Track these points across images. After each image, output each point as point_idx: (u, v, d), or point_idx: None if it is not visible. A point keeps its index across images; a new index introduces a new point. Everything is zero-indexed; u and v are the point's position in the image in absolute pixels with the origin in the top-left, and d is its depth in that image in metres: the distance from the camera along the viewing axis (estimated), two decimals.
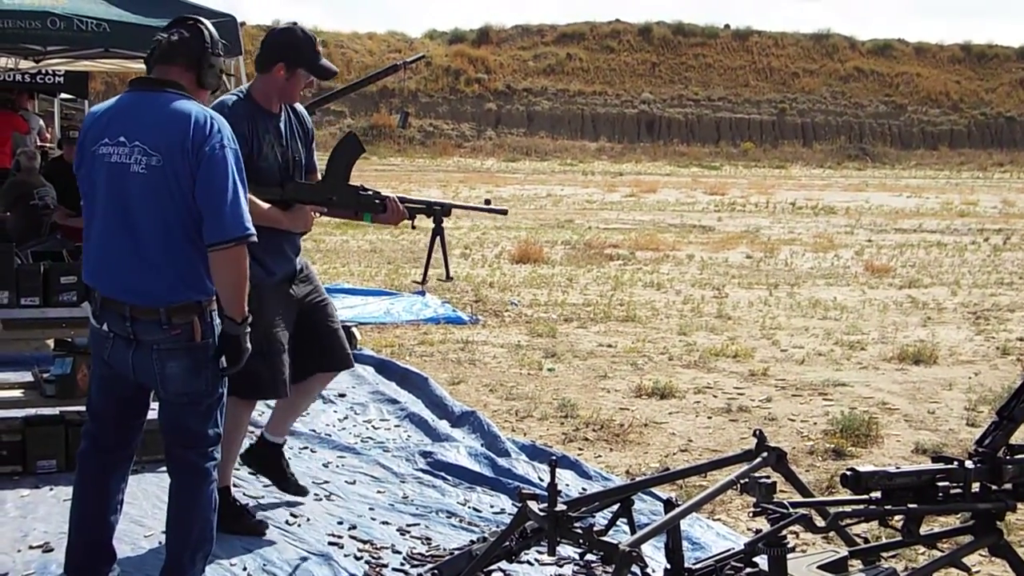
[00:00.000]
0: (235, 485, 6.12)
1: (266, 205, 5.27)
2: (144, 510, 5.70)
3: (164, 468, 4.71)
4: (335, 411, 7.98)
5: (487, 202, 6.16)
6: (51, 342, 8.26)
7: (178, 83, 4.40)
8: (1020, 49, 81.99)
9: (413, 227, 5.89)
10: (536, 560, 5.16)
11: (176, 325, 4.31)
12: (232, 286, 4.32)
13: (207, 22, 4.53)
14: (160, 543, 5.16)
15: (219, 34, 4.61)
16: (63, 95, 19.02)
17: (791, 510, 3.75)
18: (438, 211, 5.77)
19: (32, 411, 6.71)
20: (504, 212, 6.35)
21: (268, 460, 5.99)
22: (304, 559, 5.25)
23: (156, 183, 4.24)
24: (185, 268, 4.32)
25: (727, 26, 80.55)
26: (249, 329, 4.42)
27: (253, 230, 4.31)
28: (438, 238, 5.85)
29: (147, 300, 4.29)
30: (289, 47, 5.39)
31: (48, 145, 16.84)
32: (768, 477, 3.94)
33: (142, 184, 4.25)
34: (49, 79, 16.60)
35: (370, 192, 5.63)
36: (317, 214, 5.63)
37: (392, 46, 71.67)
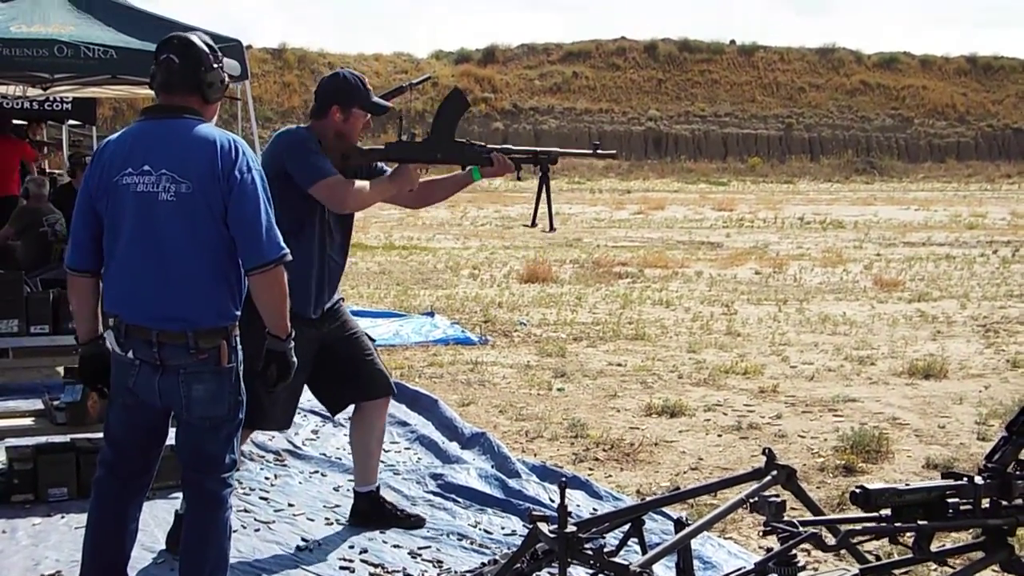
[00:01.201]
0: (246, 510, 6.14)
1: (363, 184, 5.42)
2: (156, 537, 5.70)
3: (176, 495, 4.72)
4: (345, 434, 7.97)
5: (596, 147, 6.07)
6: (61, 369, 8.27)
7: (189, 107, 4.43)
8: None
9: (519, 178, 5.89)
10: None
11: (203, 349, 4.34)
12: (274, 306, 4.41)
13: (195, 36, 4.51)
14: (172, 570, 5.17)
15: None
16: (71, 121, 19.09)
17: (801, 529, 3.75)
18: (544, 159, 5.75)
19: (43, 439, 6.72)
20: (614, 156, 6.36)
21: (371, 512, 6.03)
22: None
23: (186, 210, 4.28)
24: (213, 293, 4.36)
25: (733, 42, 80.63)
26: (293, 344, 4.49)
27: (288, 250, 4.38)
28: (544, 186, 5.86)
29: (175, 325, 4.32)
30: (339, 90, 5.52)
31: (57, 172, 16.91)
32: (778, 495, 3.94)
33: (171, 211, 4.28)
34: (57, 106, 16.68)
35: (476, 146, 5.67)
36: (423, 171, 5.68)
37: (398, 67, 71.82)
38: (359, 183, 5.42)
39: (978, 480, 4.07)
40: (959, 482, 4.06)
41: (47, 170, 17.97)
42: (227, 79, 4.59)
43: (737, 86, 75.65)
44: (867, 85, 77.22)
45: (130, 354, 4.40)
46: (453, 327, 12.55)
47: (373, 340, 6.00)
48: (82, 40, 8.54)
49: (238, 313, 4.44)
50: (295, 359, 4.53)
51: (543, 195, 5.82)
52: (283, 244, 4.36)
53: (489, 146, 5.69)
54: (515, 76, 73.82)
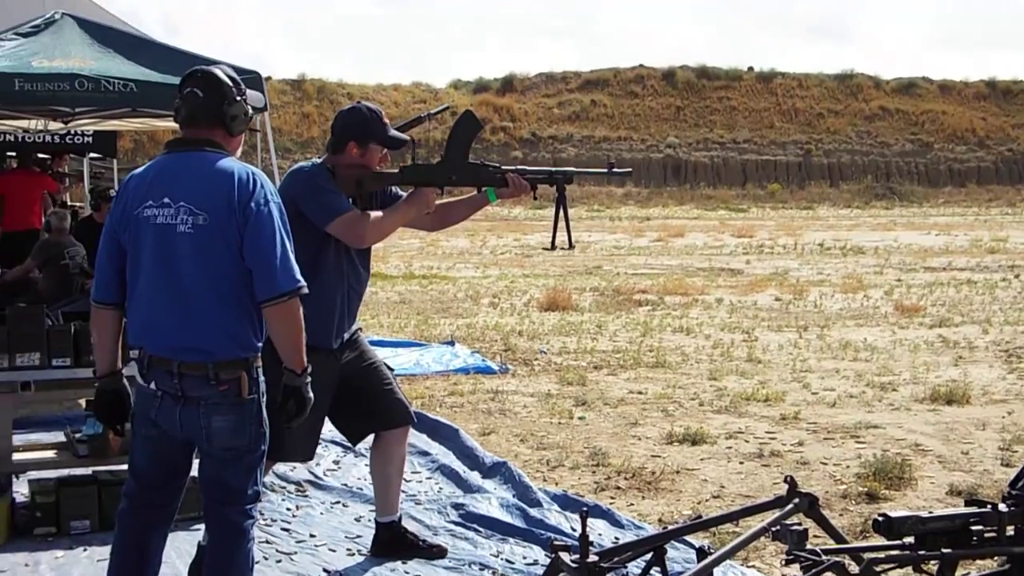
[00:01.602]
0: (267, 541, 6.13)
1: (379, 215, 5.43)
2: (178, 569, 5.69)
3: (198, 526, 4.71)
4: (366, 464, 7.96)
5: (611, 166, 6.08)
6: (83, 402, 8.29)
7: (212, 140, 4.45)
8: None
9: (535, 197, 5.82)
10: None
11: (224, 381, 4.34)
12: (289, 339, 4.40)
13: (219, 70, 4.52)
14: None
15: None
16: (91, 154, 19.19)
17: (824, 557, 3.73)
18: (560, 179, 5.75)
19: (65, 472, 6.73)
20: (629, 173, 6.40)
21: (392, 542, 6.01)
22: None
23: (203, 241, 4.30)
24: (232, 324, 4.36)
25: (751, 68, 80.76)
26: (309, 379, 4.48)
27: (304, 283, 4.38)
28: (561, 205, 5.86)
29: (195, 356, 4.33)
30: (357, 125, 5.52)
31: (78, 204, 16.98)
32: (800, 523, 3.92)
33: (189, 243, 4.30)
34: (78, 139, 16.76)
35: (491, 167, 5.67)
36: (439, 194, 5.68)
37: (417, 97, 72.15)
38: (374, 215, 5.41)
39: (1002, 507, 4.04)
40: (983, 509, 4.04)
41: (68, 203, 18.06)
42: (251, 111, 4.61)
43: (756, 112, 75.72)
44: (886, 110, 77.23)
45: (152, 385, 4.41)
46: (473, 356, 12.55)
47: (392, 369, 6.00)
48: (102, 74, 8.58)
49: (260, 344, 4.44)
50: (311, 394, 4.50)
51: (560, 214, 5.83)
52: (299, 277, 4.35)
53: (504, 167, 5.69)
54: (534, 105, 74.04)
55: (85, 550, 6.06)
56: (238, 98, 4.51)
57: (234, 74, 4.57)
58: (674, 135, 72.71)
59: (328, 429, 6.09)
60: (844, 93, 78.86)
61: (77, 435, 6.76)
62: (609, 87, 77.00)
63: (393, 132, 5.58)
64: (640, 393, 10.80)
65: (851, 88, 79.41)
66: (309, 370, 4.47)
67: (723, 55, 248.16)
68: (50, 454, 6.83)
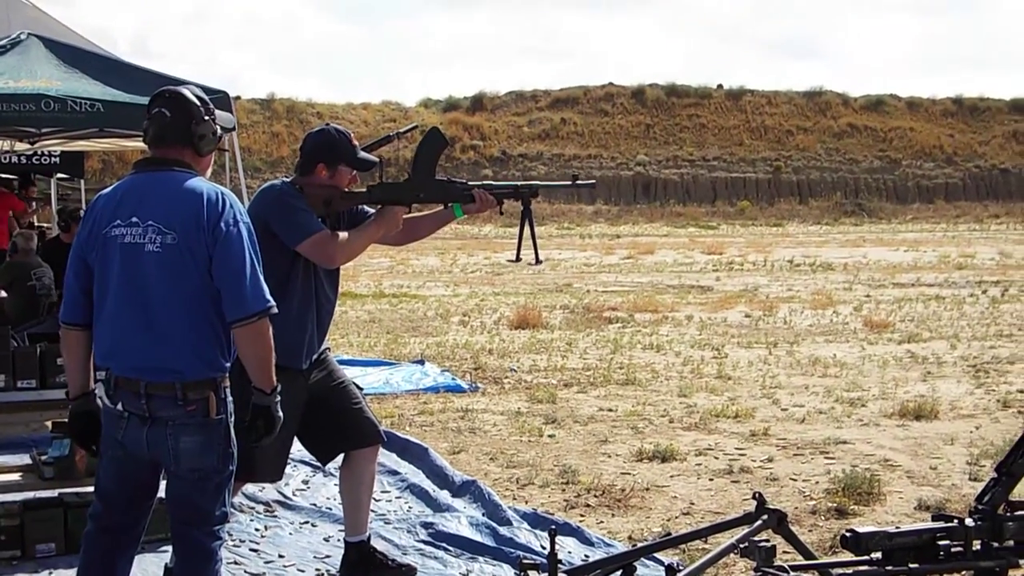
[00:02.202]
0: (236, 562, 6.11)
1: (349, 235, 5.40)
2: None
3: (165, 548, 4.68)
4: (335, 484, 7.93)
5: (574, 178, 6.09)
6: (49, 424, 8.24)
7: (180, 160, 4.43)
8: (1012, 102, 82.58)
9: (501, 212, 5.83)
10: None
11: (192, 401, 4.32)
12: (258, 359, 4.38)
13: (186, 90, 4.51)
14: None
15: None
16: (59, 175, 19.11)
17: (792, 574, 3.74)
18: (525, 193, 5.74)
19: (31, 494, 6.67)
20: (593, 185, 6.38)
21: (361, 562, 5.96)
22: None
23: (171, 261, 4.28)
24: (201, 344, 4.34)
25: (720, 86, 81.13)
26: (279, 399, 4.46)
27: (273, 303, 4.36)
28: (527, 220, 5.86)
29: (163, 376, 4.30)
30: (326, 147, 5.50)
31: (46, 225, 16.91)
32: (769, 540, 3.93)
33: (157, 262, 4.29)
34: (45, 160, 16.70)
35: (457, 183, 5.67)
36: (407, 210, 5.66)
37: (387, 115, 72.16)
38: (343, 235, 5.40)
39: (969, 522, 4.07)
40: (950, 524, 4.07)
41: (35, 223, 17.98)
42: (220, 131, 4.60)
43: (725, 130, 76.07)
44: (855, 127, 77.69)
45: (119, 406, 4.39)
46: (443, 375, 12.54)
47: (361, 389, 5.98)
48: (69, 94, 8.57)
49: (228, 364, 4.42)
50: (281, 413, 4.49)
51: (526, 229, 5.84)
52: (268, 297, 4.34)
53: (470, 183, 5.69)
54: (503, 123, 74.18)
55: (51, 573, 6.01)
56: (206, 118, 4.49)
57: (202, 94, 4.55)
58: (644, 153, 72.92)
59: (297, 449, 6.07)
60: (813, 110, 79.30)
61: (43, 457, 6.71)
62: (579, 105, 77.19)
63: (362, 154, 5.56)
64: (610, 410, 10.80)
65: (820, 105, 79.86)
66: (278, 389, 4.45)
67: (692, 73, 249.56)
68: (15, 476, 6.78)
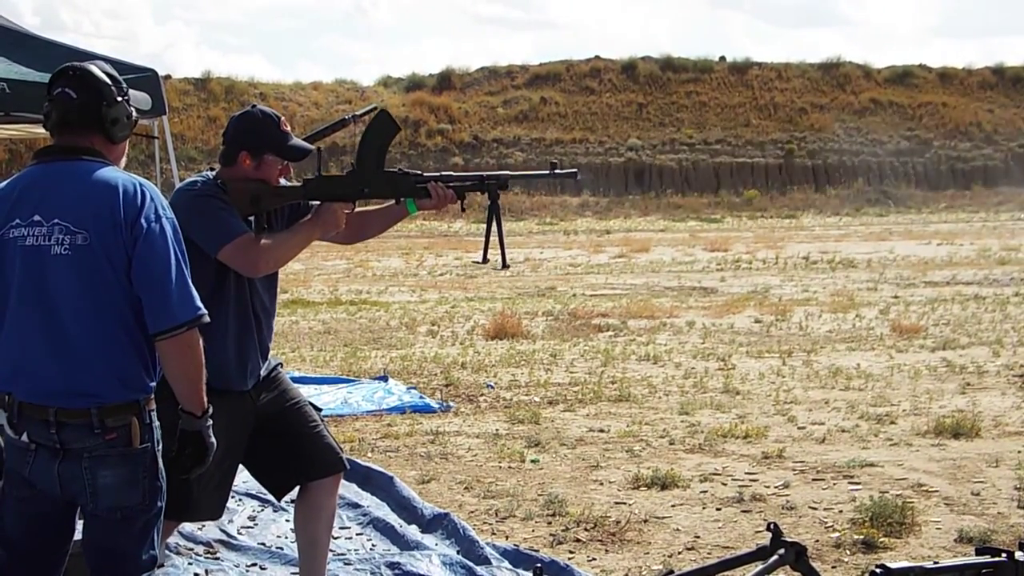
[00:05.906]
0: None
1: (275, 238, 5.34)
2: None
3: None
4: (287, 519, 7.93)
5: (553, 166, 6.01)
6: None
7: (89, 147, 4.37)
8: None
9: (463, 209, 5.77)
10: None
11: (110, 428, 4.25)
12: (186, 376, 4.32)
13: (94, 66, 4.44)
14: None
15: (139, 90, 4.59)
16: None
17: None
18: (492, 185, 5.70)
19: None
20: (574, 175, 6.29)
21: None
22: None
23: (83, 265, 4.22)
24: (120, 361, 4.28)
25: (722, 58, 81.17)
26: (211, 423, 4.41)
27: (204, 311, 4.31)
28: (494, 216, 5.80)
29: (76, 402, 4.24)
30: (248, 133, 5.43)
31: None
32: None
33: (66, 267, 4.22)
34: None
35: (410, 175, 5.60)
36: (351, 210, 5.60)
37: (341, 96, 72.08)
38: (268, 239, 5.32)
39: (1019, 556, 4.06)
40: (997, 559, 4.05)
41: None
42: (135, 114, 4.53)
43: (729, 109, 76.13)
44: (878, 103, 77.81)
45: (24, 437, 4.31)
46: (410, 392, 12.54)
47: (319, 410, 5.95)
48: None
49: (152, 384, 4.36)
50: (213, 440, 4.44)
51: (493, 226, 5.80)
52: (198, 304, 4.29)
53: (426, 174, 5.63)
54: (475, 104, 74.14)
55: None
56: (119, 99, 4.42)
57: (113, 71, 4.48)
58: (636, 136, 72.99)
59: (242, 480, 6.05)
60: (830, 85, 79.45)
61: None
62: (561, 82, 77.21)
63: (294, 141, 5.48)
64: (601, 431, 10.82)
65: (837, 79, 79.99)
66: (210, 412, 4.40)
67: (690, 44, 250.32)
68: None
